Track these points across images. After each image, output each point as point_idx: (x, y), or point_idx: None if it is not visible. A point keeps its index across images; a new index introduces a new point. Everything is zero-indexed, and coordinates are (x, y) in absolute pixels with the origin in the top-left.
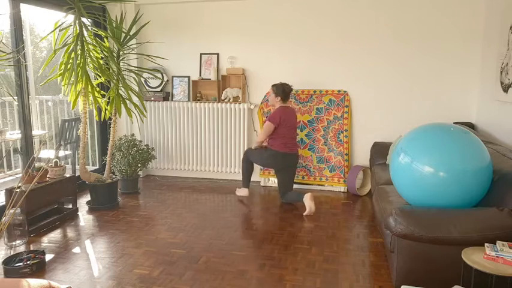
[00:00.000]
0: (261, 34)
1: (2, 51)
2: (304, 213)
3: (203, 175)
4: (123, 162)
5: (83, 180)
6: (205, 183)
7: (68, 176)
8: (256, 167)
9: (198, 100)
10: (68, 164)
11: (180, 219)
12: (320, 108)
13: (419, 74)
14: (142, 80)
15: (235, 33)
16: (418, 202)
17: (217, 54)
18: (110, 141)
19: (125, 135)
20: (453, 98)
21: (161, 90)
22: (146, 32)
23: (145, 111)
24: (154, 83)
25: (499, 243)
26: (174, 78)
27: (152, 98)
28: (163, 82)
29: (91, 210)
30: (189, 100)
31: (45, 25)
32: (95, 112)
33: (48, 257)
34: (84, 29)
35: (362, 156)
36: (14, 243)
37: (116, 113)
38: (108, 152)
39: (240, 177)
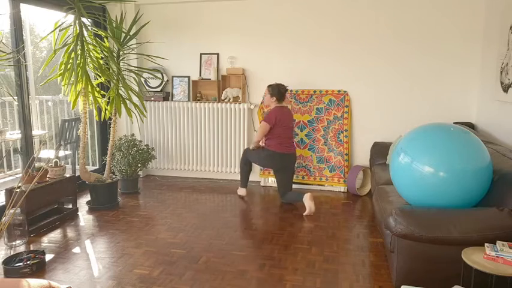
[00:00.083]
0: (261, 34)
1: (2, 51)
2: (304, 213)
3: (203, 175)
4: (123, 162)
5: (83, 180)
6: (205, 183)
7: (68, 176)
8: (256, 167)
9: (198, 100)
10: (68, 164)
11: (180, 219)
12: (320, 108)
13: (419, 74)
14: (142, 80)
15: (235, 33)
16: (418, 202)
17: (217, 54)
18: (110, 141)
19: (125, 135)
20: (453, 98)
21: (161, 90)
22: (146, 32)
23: (145, 111)
24: (154, 83)
25: (499, 243)
26: (174, 78)
27: (152, 98)
28: (163, 82)
29: (91, 210)
30: (189, 100)
31: (45, 25)
32: (95, 112)
33: (48, 257)
34: (84, 29)
35: (362, 156)
36: (14, 243)
37: (116, 113)
38: (108, 152)
39: (239, 177)
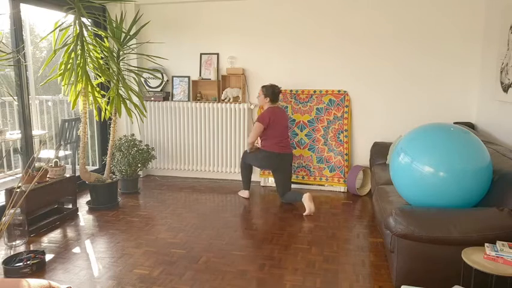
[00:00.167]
0: (261, 34)
1: (2, 51)
2: (304, 214)
3: (203, 175)
4: (123, 162)
5: (83, 180)
6: (205, 183)
7: (68, 176)
8: (256, 168)
9: (198, 100)
10: (68, 164)
11: (180, 219)
12: (320, 108)
13: (419, 74)
14: (142, 80)
15: (235, 33)
16: (418, 202)
17: (217, 54)
18: (110, 141)
19: (124, 135)
20: (453, 98)
21: (161, 90)
22: (146, 32)
23: (145, 111)
24: (154, 83)
25: (499, 243)
26: (174, 78)
27: (152, 98)
28: (163, 82)
29: (91, 210)
30: (189, 100)
31: (45, 25)
32: (95, 112)
33: (48, 257)
34: (84, 29)
35: (362, 156)
36: (14, 243)
37: (115, 113)
38: (108, 152)
39: (239, 177)
